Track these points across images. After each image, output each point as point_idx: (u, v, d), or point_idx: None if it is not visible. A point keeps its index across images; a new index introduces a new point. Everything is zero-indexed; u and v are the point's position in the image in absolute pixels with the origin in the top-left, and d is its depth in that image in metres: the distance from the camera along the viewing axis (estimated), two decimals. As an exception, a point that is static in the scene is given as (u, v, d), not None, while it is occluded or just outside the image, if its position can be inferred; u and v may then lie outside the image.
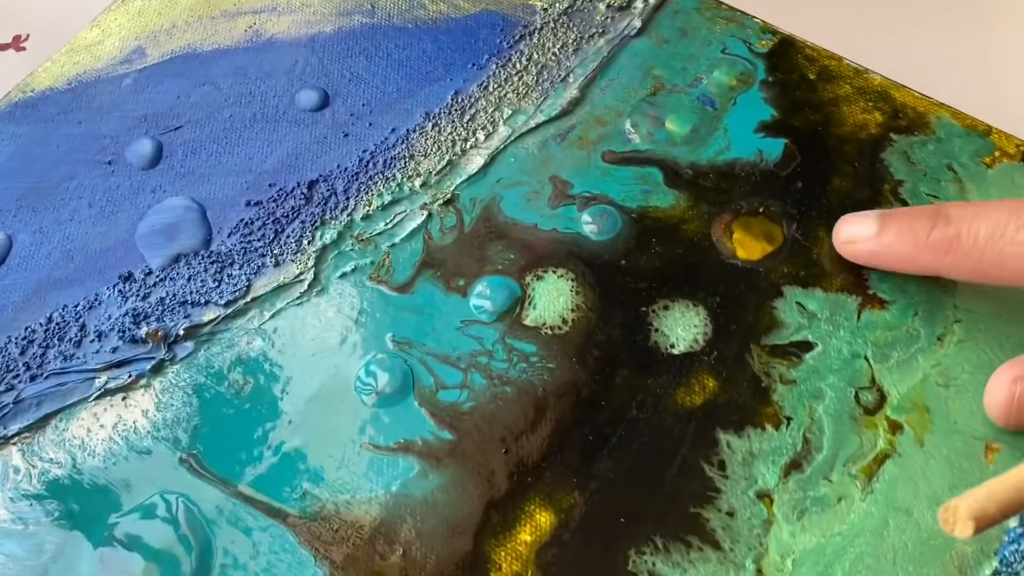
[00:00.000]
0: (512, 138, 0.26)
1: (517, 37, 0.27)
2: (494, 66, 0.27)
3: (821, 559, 0.20)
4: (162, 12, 0.28)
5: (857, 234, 0.23)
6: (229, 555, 0.20)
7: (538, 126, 0.26)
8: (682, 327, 0.23)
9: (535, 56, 0.27)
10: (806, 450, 0.22)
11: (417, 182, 0.25)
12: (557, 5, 0.28)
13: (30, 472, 0.21)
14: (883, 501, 0.21)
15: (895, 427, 0.22)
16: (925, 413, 0.22)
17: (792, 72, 0.27)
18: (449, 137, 0.26)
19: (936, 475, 0.21)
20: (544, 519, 0.21)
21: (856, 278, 0.24)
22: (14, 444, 0.22)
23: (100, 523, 0.21)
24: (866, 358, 0.23)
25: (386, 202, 0.25)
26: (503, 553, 0.20)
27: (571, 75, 0.27)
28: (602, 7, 0.28)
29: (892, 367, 0.23)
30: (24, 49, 0.33)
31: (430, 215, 0.25)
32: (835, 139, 0.26)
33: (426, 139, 0.26)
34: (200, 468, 0.21)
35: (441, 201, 0.25)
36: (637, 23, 0.28)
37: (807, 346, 0.23)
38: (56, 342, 0.23)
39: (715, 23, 0.28)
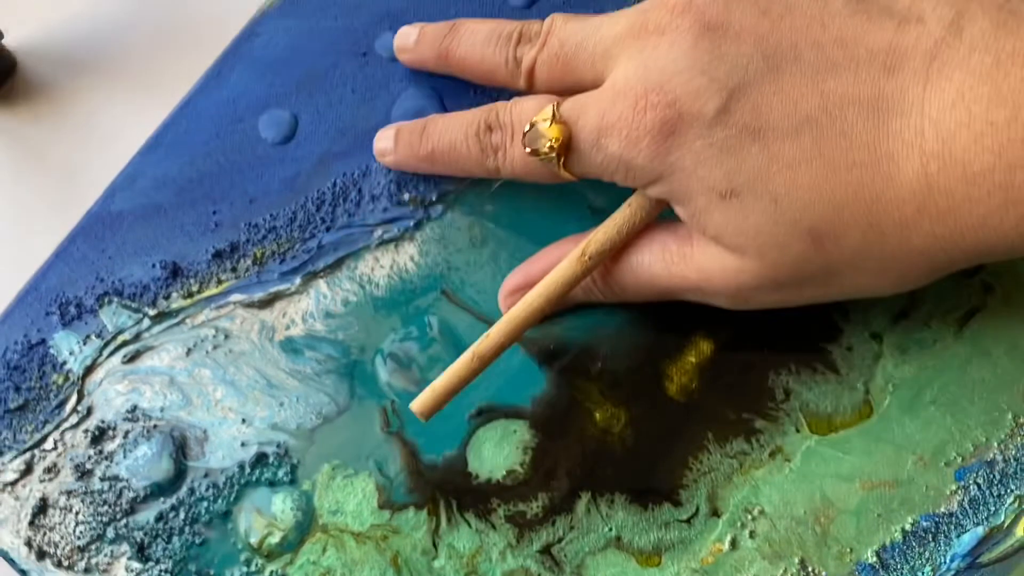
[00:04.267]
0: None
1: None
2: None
3: (915, 385, 0.27)
4: (391, -85, 0.33)
5: (384, 149, 0.30)
6: (478, 361, 0.29)
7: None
8: (822, 203, 0.29)
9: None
10: (912, 302, 0.28)
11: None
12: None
13: (334, 298, 0.30)
14: (969, 344, 0.28)
15: (988, 287, 0.28)
16: (1015, 278, 0.28)
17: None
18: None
19: (1016, 327, 0.28)
20: (706, 346, 0.28)
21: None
22: (321, 277, 0.30)
23: (387, 334, 0.29)
24: (971, 232, 0.28)
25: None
26: (674, 370, 0.28)
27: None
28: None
29: (992, 240, 0.28)
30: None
31: (620, 104, 0.31)
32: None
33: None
34: (454, 299, 0.29)
35: (629, 92, 0.31)
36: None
37: (923, 221, 0.29)
38: (341, 202, 0.30)
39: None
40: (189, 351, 0.29)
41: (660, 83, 0.23)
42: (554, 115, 0.25)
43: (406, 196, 0.30)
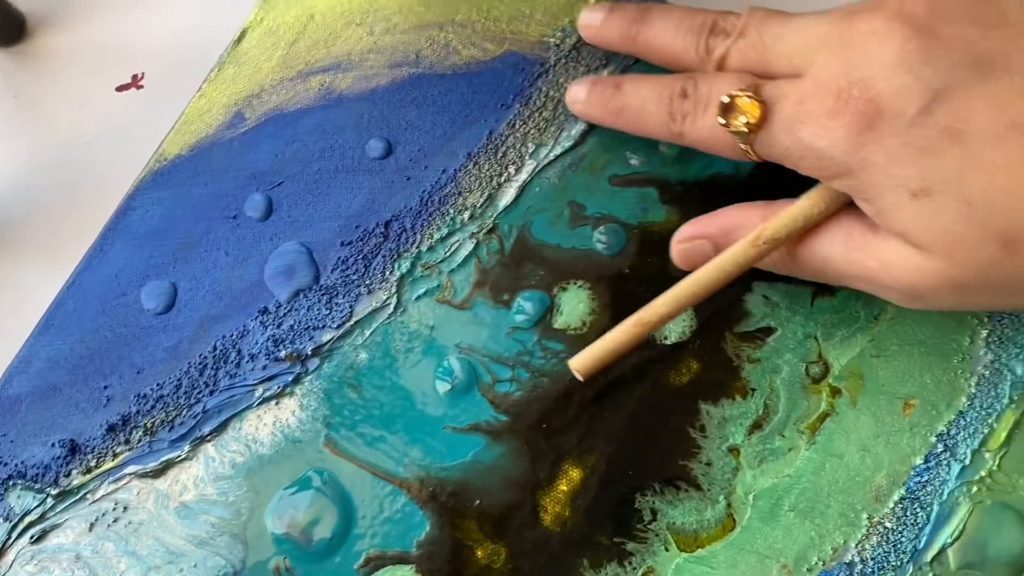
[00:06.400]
0: (537, 170, 0.32)
1: (535, 75, 0.33)
2: (518, 105, 0.33)
3: (774, 494, 0.29)
4: (250, 78, 0.35)
5: (575, 97, 0.32)
6: (363, 509, 0.30)
7: (557, 157, 0.32)
8: (673, 322, 0.30)
9: (551, 92, 0.33)
10: (766, 413, 0.29)
11: (466, 215, 0.32)
12: (567, 40, 0.33)
13: (222, 460, 0.31)
14: (822, 449, 0.29)
15: (835, 392, 0.29)
16: (859, 379, 0.29)
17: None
18: (487, 173, 0.32)
19: (864, 428, 0.29)
20: (575, 474, 0.30)
21: (811, 271, 0.30)
22: (208, 441, 0.31)
23: (275, 491, 0.31)
24: (816, 338, 0.30)
25: (444, 234, 0.32)
26: (548, 500, 0.29)
27: (582, 106, 0.33)
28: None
29: (836, 343, 0.30)
30: (142, 87, 0.41)
31: (478, 243, 0.32)
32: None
33: (470, 177, 0.32)
34: (336, 450, 0.31)
35: (485, 230, 0.32)
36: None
37: (769, 331, 0.30)
38: (223, 364, 0.32)
39: (702, 42, 0.33)
40: (92, 526, 0.31)
41: (863, 79, 0.24)
42: (756, 93, 0.26)
43: (282, 353, 0.32)
